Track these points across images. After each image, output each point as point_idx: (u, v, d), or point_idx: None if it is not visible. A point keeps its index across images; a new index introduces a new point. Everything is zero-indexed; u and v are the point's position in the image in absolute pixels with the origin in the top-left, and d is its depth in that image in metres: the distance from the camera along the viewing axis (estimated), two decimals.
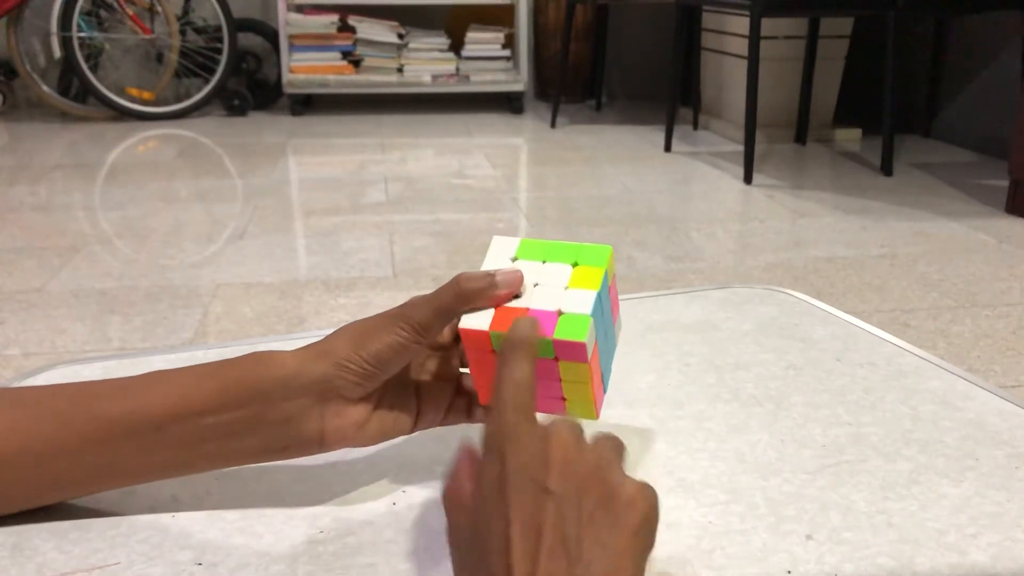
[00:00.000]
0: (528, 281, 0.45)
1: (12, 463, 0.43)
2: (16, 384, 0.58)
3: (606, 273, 0.45)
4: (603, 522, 0.35)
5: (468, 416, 0.49)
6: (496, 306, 0.44)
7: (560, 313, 0.43)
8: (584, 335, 0.42)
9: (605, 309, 0.45)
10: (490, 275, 0.44)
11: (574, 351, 0.42)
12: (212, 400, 0.43)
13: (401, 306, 0.45)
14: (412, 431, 0.48)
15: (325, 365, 0.43)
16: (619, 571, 0.34)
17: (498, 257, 0.46)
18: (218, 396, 0.43)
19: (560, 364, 0.43)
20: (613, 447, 0.38)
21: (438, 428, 0.49)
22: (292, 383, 0.43)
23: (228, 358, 0.45)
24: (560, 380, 0.44)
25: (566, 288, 0.44)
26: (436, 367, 0.49)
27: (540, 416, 0.38)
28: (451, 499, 0.38)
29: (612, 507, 0.35)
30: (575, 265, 0.45)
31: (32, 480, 0.43)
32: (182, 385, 0.44)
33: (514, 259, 0.46)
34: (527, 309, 0.44)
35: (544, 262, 0.46)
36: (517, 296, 0.45)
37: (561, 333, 0.42)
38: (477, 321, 0.44)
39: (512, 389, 0.38)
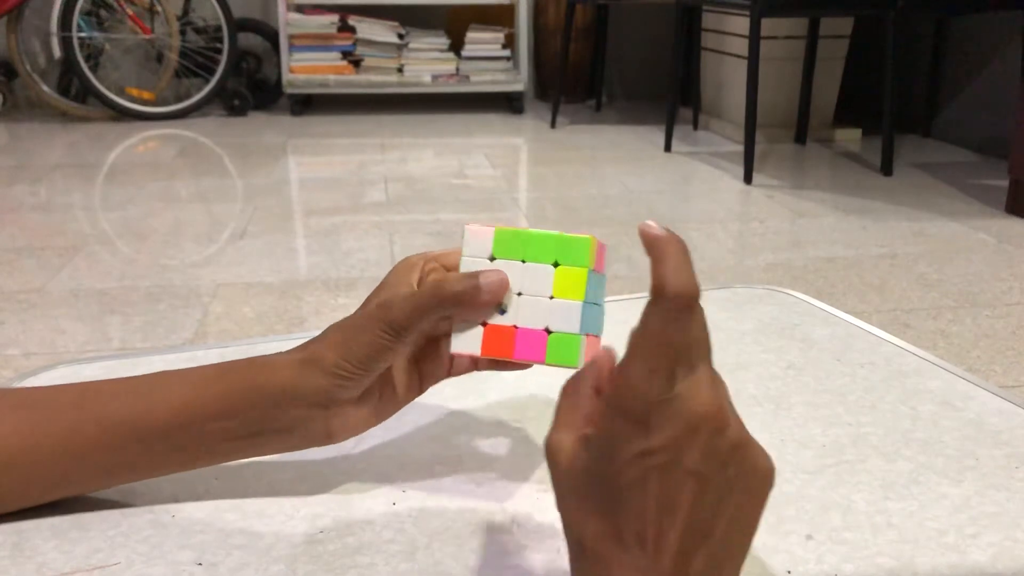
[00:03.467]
0: (510, 286, 0.43)
1: (17, 464, 0.43)
2: (16, 384, 0.58)
3: (589, 273, 0.42)
4: (739, 494, 0.34)
5: (474, 366, 0.48)
6: (478, 308, 0.42)
7: (548, 332, 0.42)
8: (576, 359, 0.41)
9: (594, 299, 0.43)
10: (474, 280, 0.42)
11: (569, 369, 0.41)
12: (215, 406, 0.43)
13: (379, 305, 0.43)
14: (421, 393, 0.48)
15: (318, 375, 0.43)
16: (747, 543, 0.34)
17: (476, 252, 0.44)
18: (221, 402, 0.43)
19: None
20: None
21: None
22: (291, 393, 0.43)
23: (229, 361, 0.45)
24: None
25: (551, 298, 0.42)
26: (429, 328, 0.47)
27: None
28: (558, 450, 0.36)
29: (750, 480, 0.34)
30: (556, 265, 0.43)
31: (36, 480, 0.44)
32: (186, 391, 0.44)
33: (492, 257, 0.43)
34: (514, 328, 0.42)
35: (524, 261, 0.43)
36: (502, 308, 0.43)
37: (553, 358, 0.41)
38: (467, 344, 0.43)
39: (658, 347, 0.33)
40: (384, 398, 0.46)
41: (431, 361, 0.47)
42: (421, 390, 0.48)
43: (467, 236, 0.44)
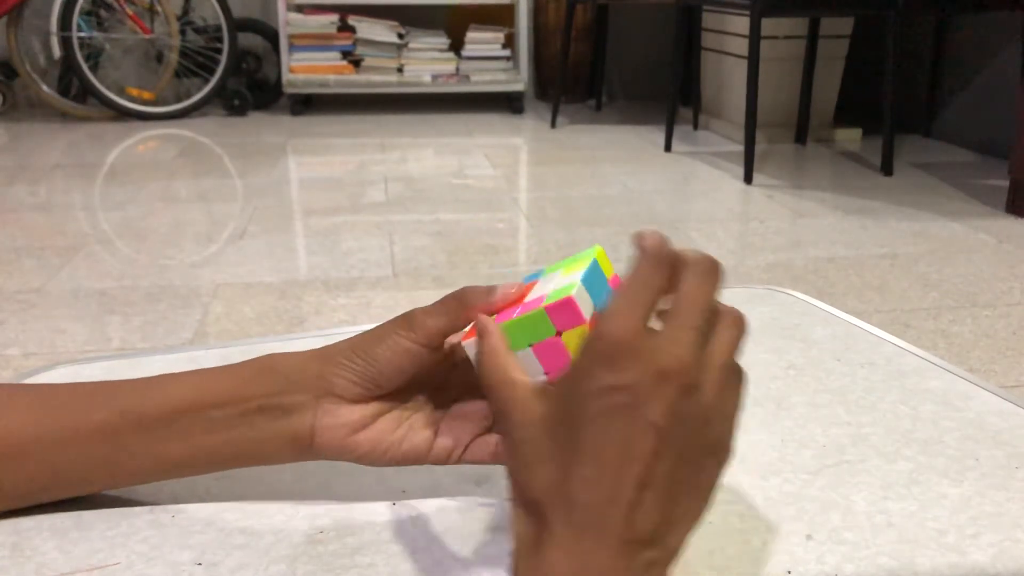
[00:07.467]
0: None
1: (24, 453, 0.43)
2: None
3: (595, 261, 0.43)
4: (702, 462, 0.34)
5: (492, 456, 0.45)
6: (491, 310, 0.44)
7: (550, 293, 0.42)
8: (571, 291, 0.40)
9: (601, 295, 0.43)
10: (492, 289, 0.44)
11: (568, 313, 0.40)
12: (220, 396, 0.44)
13: (403, 314, 0.45)
14: (427, 459, 0.45)
15: (322, 363, 0.45)
16: (699, 513, 0.34)
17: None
18: (227, 392, 0.44)
19: (563, 337, 0.40)
20: (734, 341, 0.36)
21: None
22: (292, 377, 0.44)
23: (241, 361, 0.46)
24: (571, 355, 0.41)
25: (559, 280, 0.44)
26: (462, 395, 0.46)
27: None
28: (512, 400, 0.36)
29: (716, 451, 0.34)
30: (568, 267, 0.45)
31: (41, 473, 0.44)
32: (193, 384, 0.45)
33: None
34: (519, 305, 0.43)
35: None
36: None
37: (551, 299, 0.41)
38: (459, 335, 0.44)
39: (640, 292, 0.34)
40: (375, 431, 0.44)
41: (452, 429, 0.45)
42: (427, 456, 0.45)
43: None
